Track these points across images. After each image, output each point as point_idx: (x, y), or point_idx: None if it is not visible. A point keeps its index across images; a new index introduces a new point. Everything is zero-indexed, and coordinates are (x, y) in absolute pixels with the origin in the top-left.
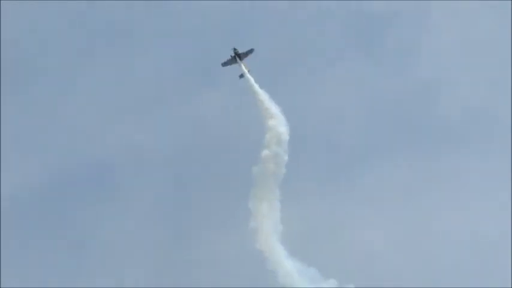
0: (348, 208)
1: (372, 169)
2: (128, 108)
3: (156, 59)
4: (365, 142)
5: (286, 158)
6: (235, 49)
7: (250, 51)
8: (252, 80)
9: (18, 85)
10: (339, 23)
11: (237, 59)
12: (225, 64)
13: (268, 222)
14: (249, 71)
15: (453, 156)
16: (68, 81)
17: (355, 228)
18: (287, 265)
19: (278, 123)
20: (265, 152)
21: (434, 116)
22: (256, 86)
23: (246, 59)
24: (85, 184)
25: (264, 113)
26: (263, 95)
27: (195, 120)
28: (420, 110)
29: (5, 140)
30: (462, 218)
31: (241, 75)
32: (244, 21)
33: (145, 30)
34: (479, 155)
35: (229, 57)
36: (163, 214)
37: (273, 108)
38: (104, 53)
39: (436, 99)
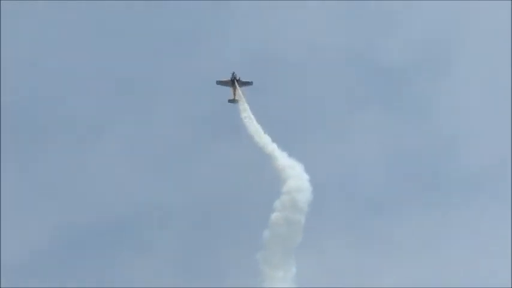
0: (368, 258)
1: (391, 220)
2: (146, 164)
3: (175, 115)
4: (383, 193)
5: (303, 221)
6: (234, 73)
7: (250, 83)
8: (248, 108)
9: (38, 141)
10: (359, 74)
11: (235, 83)
12: (219, 83)
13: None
14: (246, 101)
15: (471, 207)
16: (89, 138)
17: (374, 277)
18: None
19: (296, 182)
20: (276, 215)
21: (453, 168)
22: (250, 115)
23: (243, 88)
24: (108, 238)
25: (278, 168)
26: (256, 126)
27: (213, 173)
28: (439, 162)
29: (27, 190)
30: (479, 267)
31: (232, 100)
32: (261, 70)
33: (164, 86)
34: (497, 207)
35: (228, 79)
36: (181, 265)
37: (283, 160)
38: (124, 110)
39: (455, 152)
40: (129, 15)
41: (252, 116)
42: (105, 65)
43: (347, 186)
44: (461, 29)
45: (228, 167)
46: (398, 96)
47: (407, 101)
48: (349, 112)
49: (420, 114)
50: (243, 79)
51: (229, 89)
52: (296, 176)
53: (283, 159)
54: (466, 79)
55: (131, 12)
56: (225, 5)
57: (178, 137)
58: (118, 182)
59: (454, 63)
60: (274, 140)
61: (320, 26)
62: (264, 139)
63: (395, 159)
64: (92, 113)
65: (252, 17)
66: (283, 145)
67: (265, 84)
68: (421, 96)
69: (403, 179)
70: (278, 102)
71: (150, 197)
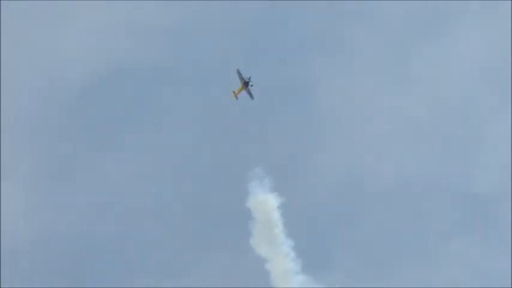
0: None
1: None
2: None
3: None
4: None
5: None
6: (250, 78)
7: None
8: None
9: None
10: (450, 200)
11: (247, 85)
12: (239, 73)
13: None
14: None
15: None
16: None
17: None
18: None
19: None
20: None
21: None
22: None
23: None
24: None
25: None
26: None
27: None
28: None
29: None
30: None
31: (235, 96)
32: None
33: None
34: None
35: (245, 79)
36: None
37: None
38: None
39: None
40: None
41: None
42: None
43: None
44: None
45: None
46: (489, 224)
47: (498, 229)
48: (440, 240)
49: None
50: (252, 89)
51: (239, 85)
52: None
53: None
54: None
55: None
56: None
57: None
58: None
59: None
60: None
61: (407, 154)
62: None
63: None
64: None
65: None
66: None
67: (351, 214)
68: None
69: None
70: (366, 236)
71: None
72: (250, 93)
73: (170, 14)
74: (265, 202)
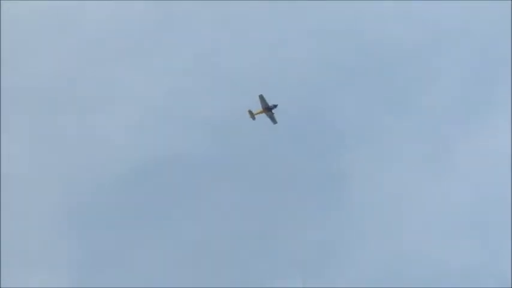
0: None
1: None
2: None
3: None
4: None
5: None
6: (275, 106)
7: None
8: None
9: None
10: None
11: (270, 110)
12: (262, 99)
13: None
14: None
15: None
16: None
17: None
18: None
19: None
20: None
21: None
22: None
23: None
24: None
25: None
26: None
27: None
28: None
29: None
30: None
31: (252, 114)
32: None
33: None
34: None
35: (271, 105)
36: None
37: None
38: None
39: None
40: None
41: None
42: None
43: None
44: None
45: None
46: None
47: None
48: None
49: None
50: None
51: (260, 107)
52: None
53: None
54: None
55: None
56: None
57: None
58: None
59: None
60: None
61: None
62: None
63: None
64: None
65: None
66: None
67: None
68: None
69: None
70: None
71: None
72: (272, 118)
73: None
74: None
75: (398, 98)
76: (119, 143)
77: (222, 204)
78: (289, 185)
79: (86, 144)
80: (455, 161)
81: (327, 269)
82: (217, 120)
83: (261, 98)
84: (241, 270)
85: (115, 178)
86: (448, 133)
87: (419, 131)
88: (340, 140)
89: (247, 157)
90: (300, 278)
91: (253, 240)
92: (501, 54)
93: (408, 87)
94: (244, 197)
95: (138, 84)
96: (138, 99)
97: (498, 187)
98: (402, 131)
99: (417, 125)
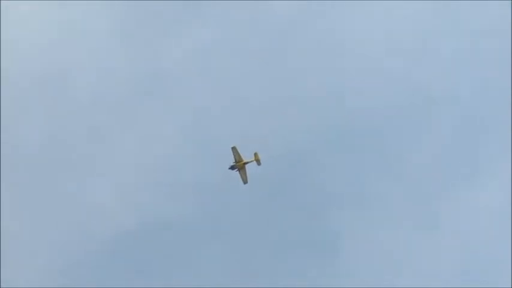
0: None
1: None
2: None
3: None
4: None
5: None
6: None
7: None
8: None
9: None
10: None
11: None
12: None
13: None
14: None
15: None
16: None
17: None
18: None
19: None
20: None
21: None
22: None
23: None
24: None
25: None
26: None
27: None
28: None
29: None
30: None
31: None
32: None
33: None
34: None
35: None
36: None
37: None
38: None
39: None
40: None
41: None
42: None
43: None
44: None
45: None
46: None
47: None
48: None
49: None
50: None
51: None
52: None
53: None
54: None
55: None
56: None
57: None
58: None
59: None
60: None
61: None
62: None
63: None
64: None
65: None
66: None
67: None
68: None
69: None
70: None
71: None
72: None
73: None
74: None
75: (387, 161)
76: (109, 205)
77: (212, 268)
78: (279, 248)
79: (75, 207)
80: (443, 220)
81: None
82: (205, 183)
83: (234, 149)
84: None
85: (105, 241)
86: (436, 193)
87: (408, 191)
88: (332, 202)
89: (240, 219)
90: None
91: None
92: (484, 120)
93: (397, 149)
94: (236, 261)
95: (129, 149)
96: (129, 164)
97: (488, 245)
98: (393, 192)
99: (406, 186)
